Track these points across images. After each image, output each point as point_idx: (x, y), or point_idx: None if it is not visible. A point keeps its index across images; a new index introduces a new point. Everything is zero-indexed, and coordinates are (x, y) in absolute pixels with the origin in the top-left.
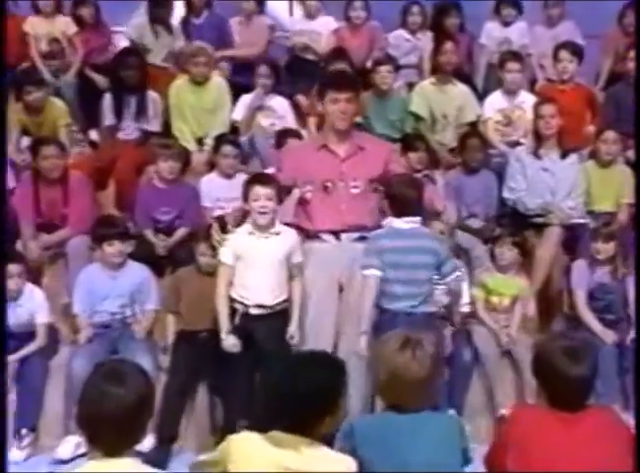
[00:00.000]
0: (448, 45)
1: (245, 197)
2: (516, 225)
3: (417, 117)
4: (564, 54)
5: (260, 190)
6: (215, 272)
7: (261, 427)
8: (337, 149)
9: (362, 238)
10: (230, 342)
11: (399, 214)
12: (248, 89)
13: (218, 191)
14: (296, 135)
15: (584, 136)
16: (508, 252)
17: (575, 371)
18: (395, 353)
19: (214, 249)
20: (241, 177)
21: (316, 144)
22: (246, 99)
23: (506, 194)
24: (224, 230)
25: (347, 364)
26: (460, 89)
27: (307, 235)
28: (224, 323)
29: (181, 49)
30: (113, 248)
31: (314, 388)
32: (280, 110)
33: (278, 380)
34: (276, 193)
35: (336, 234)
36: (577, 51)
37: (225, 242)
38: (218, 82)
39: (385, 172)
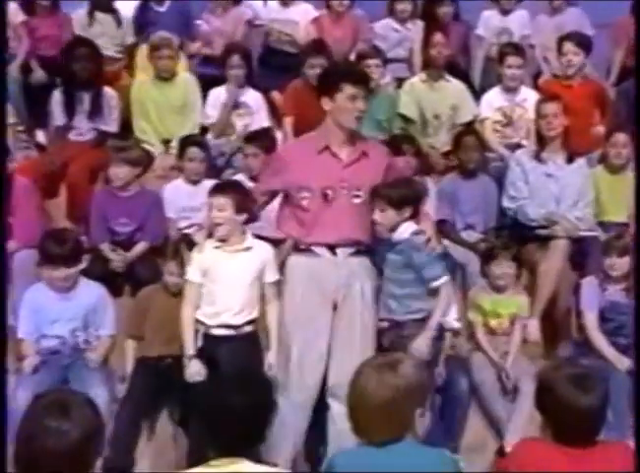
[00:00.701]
0: (437, 37)
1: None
2: (517, 237)
3: (406, 119)
4: (569, 46)
5: (212, 200)
6: (180, 291)
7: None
8: (340, 152)
9: (358, 253)
10: (194, 369)
11: None
12: (216, 81)
13: (183, 200)
14: (269, 137)
15: (592, 137)
16: (504, 268)
17: (583, 402)
18: (362, 375)
19: (183, 268)
20: (209, 184)
21: (317, 145)
22: (216, 94)
23: (506, 203)
24: (193, 247)
25: (337, 394)
26: (454, 85)
27: (296, 246)
28: (189, 348)
29: (134, 43)
30: (59, 273)
31: (245, 407)
32: (254, 106)
33: (206, 402)
34: (235, 203)
35: (331, 247)
36: (583, 43)
37: (192, 258)
38: (185, 77)
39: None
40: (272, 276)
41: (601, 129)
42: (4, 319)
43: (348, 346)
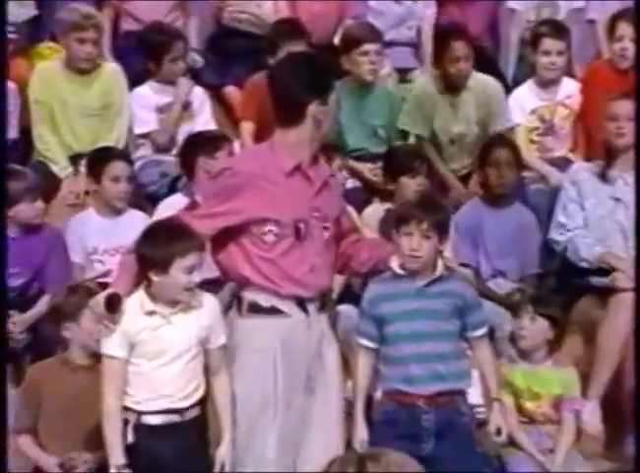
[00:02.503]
0: (458, 46)
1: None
2: (567, 287)
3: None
4: (625, 28)
5: (197, 259)
6: (95, 366)
7: None
8: (309, 173)
9: (323, 307)
10: None
11: None
12: (138, 78)
13: (96, 237)
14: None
15: None
16: (530, 326)
17: None
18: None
19: (97, 334)
20: (136, 217)
21: (285, 163)
22: (142, 93)
23: (554, 234)
24: (114, 308)
25: None
26: (480, 87)
27: (252, 305)
28: (116, 449)
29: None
30: None
31: None
32: (196, 106)
33: None
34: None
35: (301, 303)
36: None
37: (112, 325)
38: (109, 69)
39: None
40: (219, 339)
41: None
42: (4, 319)
43: (324, 436)
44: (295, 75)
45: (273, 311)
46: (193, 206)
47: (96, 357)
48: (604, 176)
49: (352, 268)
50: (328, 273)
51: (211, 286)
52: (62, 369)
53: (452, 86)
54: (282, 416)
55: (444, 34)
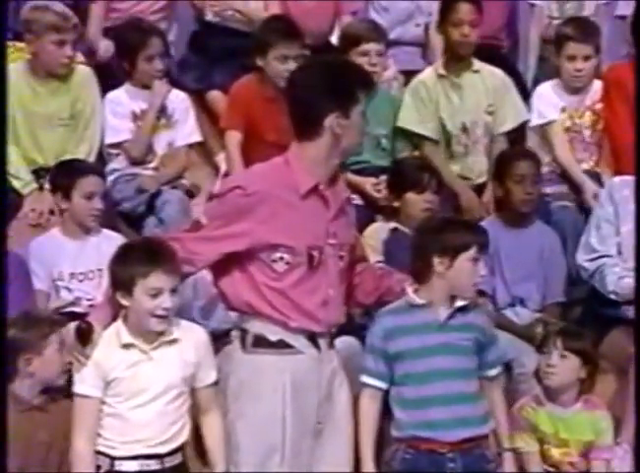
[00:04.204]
0: (464, 8)
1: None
2: (597, 318)
3: (419, 137)
4: None
5: (163, 281)
6: (58, 408)
7: None
8: (327, 194)
9: (331, 340)
10: None
11: None
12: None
13: (62, 261)
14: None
15: None
16: (560, 364)
17: None
18: None
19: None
20: (110, 237)
21: (301, 183)
22: (116, 98)
23: (582, 259)
24: (85, 339)
25: None
26: (487, 75)
27: (259, 339)
28: None
29: None
30: None
31: None
32: (177, 113)
33: None
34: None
35: (313, 337)
36: None
37: (84, 359)
38: (81, 73)
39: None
40: (208, 377)
41: None
42: (4, 318)
43: None
44: (314, 81)
45: (281, 346)
46: (196, 226)
47: (53, 396)
48: None
49: (356, 299)
50: (341, 306)
51: None
52: (19, 410)
53: (457, 57)
54: (289, 461)
55: None
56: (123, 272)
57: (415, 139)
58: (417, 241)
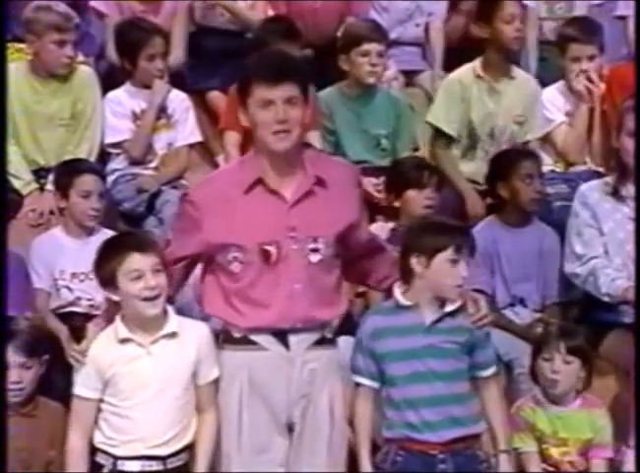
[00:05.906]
0: (512, 4)
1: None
2: (591, 316)
3: (442, 134)
4: None
5: (140, 261)
6: (51, 410)
7: None
8: (279, 187)
9: (322, 342)
10: None
11: None
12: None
13: (63, 261)
14: None
15: None
16: (565, 370)
17: None
18: None
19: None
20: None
21: (244, 178)
22: (116, 98)
23: (571, 268)
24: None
25: None
26: (522, 84)
27: (227, 334)
28: None
29: None
30: None
31: None
32: (178, 114)
33: None
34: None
35: (281, 335)
36: None
37: (82, 358)
38: (82, 73)
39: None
40: (210, 373)
41: None
42: (4, 317)
43: None
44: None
45: (244, 342)
46: None
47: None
48: (617, 194)
49: (369, 285)
50: (316, 302)
51: None
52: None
53: (504, 51)
54: (250, 458)
55: None
56: (103, 268)
57: (433, 133)
58: (402, 241)
